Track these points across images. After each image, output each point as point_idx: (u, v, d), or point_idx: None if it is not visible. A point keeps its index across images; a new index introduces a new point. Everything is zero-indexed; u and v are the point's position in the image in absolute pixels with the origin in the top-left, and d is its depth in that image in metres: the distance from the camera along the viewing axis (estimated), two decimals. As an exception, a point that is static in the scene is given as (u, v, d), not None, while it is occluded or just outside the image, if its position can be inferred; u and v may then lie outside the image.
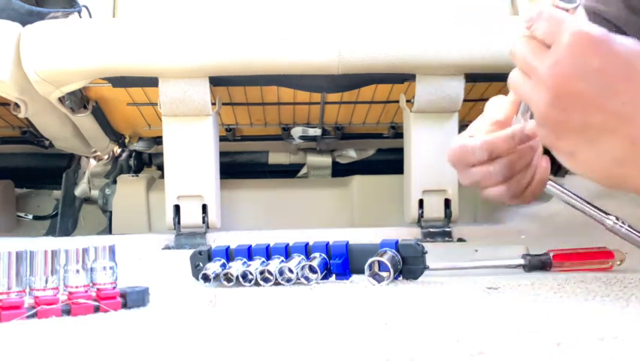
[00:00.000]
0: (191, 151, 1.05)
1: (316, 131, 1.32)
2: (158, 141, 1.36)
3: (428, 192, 1.09)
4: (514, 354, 0.28)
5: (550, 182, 0.57)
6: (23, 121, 1.21)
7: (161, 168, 1.38)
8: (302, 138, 1.34)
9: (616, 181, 0.44)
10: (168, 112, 1.04)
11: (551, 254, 0.63)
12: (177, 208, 1.05)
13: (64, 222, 1.38)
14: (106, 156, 1.48)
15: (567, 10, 0.43)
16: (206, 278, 0.58)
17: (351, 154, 1.46)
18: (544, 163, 0.56)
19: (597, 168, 0.44)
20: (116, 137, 1.33)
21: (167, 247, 1.04)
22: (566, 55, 0.41)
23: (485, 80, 1.07)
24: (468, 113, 1.24)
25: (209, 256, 0.62)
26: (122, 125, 1.29)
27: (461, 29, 0.99)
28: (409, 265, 0.58)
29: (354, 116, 1.29)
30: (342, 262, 0.59)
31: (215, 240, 1.04)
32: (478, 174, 0.53)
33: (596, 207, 0.57)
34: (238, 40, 0.97)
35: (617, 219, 0.55)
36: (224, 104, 1.14)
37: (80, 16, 1.19)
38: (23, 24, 0.98)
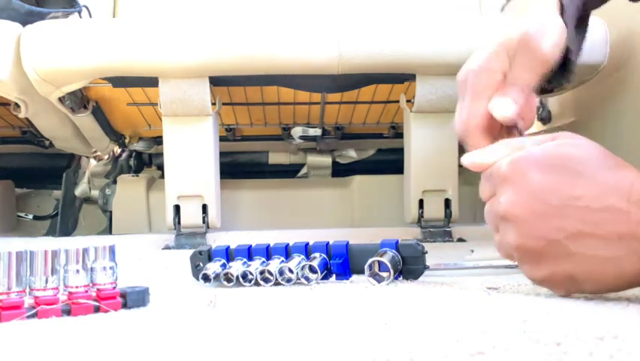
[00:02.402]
0: (192, 151, 1.05)
1: (316, 131, 1.32)
2: (158, 141, 1.36)
3: (428, 192, 1.09)
4: (514, 354, 0.28)
5: None
6: (23, 121, 1.21)
7: (161, 168, 1.38)
8: (302, 138, 1.34)
9: (628, 280, 0.42)
10: (168, 112, 1.04)
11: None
12: (177, 208, 1.05)
13: (64, 222, 1.38)
14: (106, 156, 1.48)
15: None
16: (206, 278, 0.58)
17: (351, 154, 1.46)
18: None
19: (604, 280, 0.42)
20: (116, 137, 1.33)
21: (168, 247, 1.04)
22: (510, 190, 0.44)
23: (485, 80, 1.07)
24: (468, 113, 1.23)
25: (210, 256, 0.62)
26: (122, 125, 1.29)
27: (461, 29, 0.99)
28: (409, 265, 0.58)
29: (355, 116, 1.29)
30: (342, 262, 0.59)
31: (216, 240, 1.04)
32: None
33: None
34: (238, 40, 0.97)
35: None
36: (224, 104, 1.14)
37: (80, 16, 1.19)
38: (23, 24, 0.98)
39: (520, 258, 0.45)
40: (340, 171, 1.44)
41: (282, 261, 0.59)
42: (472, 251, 0.78)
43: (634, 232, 0.40)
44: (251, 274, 0.57)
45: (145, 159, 1.45)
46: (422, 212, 1.09)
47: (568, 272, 0.42)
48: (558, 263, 0.43)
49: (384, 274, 0.55)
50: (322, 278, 0.58)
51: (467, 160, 0.50)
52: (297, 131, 1.32)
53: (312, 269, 0.57)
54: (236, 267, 0.58)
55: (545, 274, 0.44)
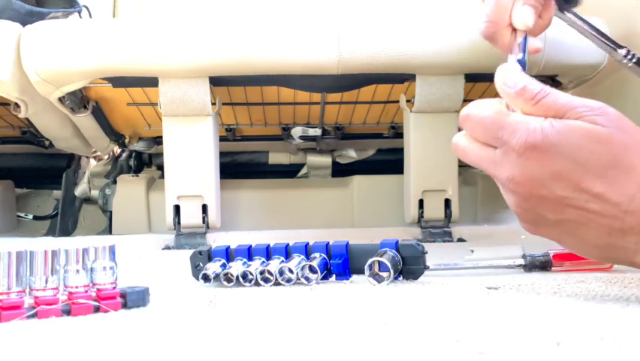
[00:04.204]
0: (192, 151, 1.05)
1: (316, 132, 1.32)
2: (158, 141, 1.36)
3: (428, 192, 1.09)
4: (514, 354, 0.28)
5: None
6: (23, 121, 1.21)
7: (161, 168, 1.38)
8: (302, 138, 1.34)
9: (606, 259, 0.46)
10: (168, 112, 1.04)
11: (551, 254, 0.63)
12: (177, 208, 1.05)
13: (64, 222, 1.38)
14: (106, 156, 1.48)
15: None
16: (206, 278, 0.58)
17: (351, 154, 1.46)
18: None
19: (583, 252, 0.45)
20: (116, 137, 1.33)
21: (167, 247, 1.04)
22: (519, 168, 0.42)
23: (485, 80, 1.07)
24: (468, 113, 1.23)
25: (210, 256, 0.62)
26: (122, 125, 1.29)
27: (461, 29, 0.99)
28: (409, 265, 0.58)
29: (355, 116, 1.29)
30: (342, 262, 0.59)
31: (216, 240, 1.04)
32: None
33: (607, 37, 0.57)
34: (238, 40, 0.97)
35: (628, 52, 0.55)
36: (224, 104, 1.14)
37: (80, 17, 1.19)
38: (23, 24, 0.98)
39: (511, 203, 0.45)
40: (340, 171, 1.44)
41: (282, 261, 0.59)
42: (472, 251, 0.78)
43: (622, 233, 0.41)
44: (251, 274, 0.57)
45: (145, 159, 1.45)
46: (422, 212, 1.09)
47: (553, 234, 0.45)
48: (545, 228, 0.44)
49: (384, 274, 0.55)
50: (322, 278, 0.58)
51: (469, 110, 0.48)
52: (297, 132, 1.32)
53: (312, 269, 0.57)
54: (236, 267, 0.58)
55: (529, 225, 0.45)
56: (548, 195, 0.42)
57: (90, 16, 1.23)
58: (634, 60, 0.56)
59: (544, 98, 0.42)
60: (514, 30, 0.56)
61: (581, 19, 0.59)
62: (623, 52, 0.56)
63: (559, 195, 0.42)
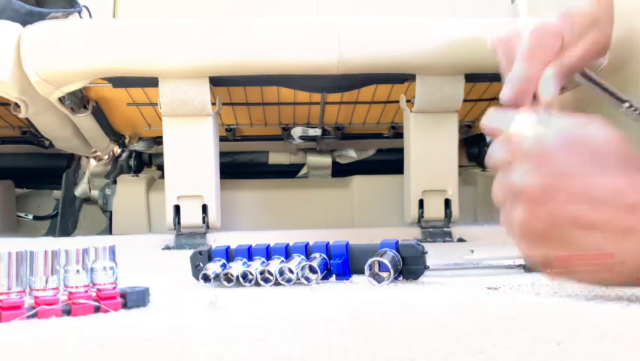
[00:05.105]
0: (192, 151, 1.05)
1: (316, 132, 1.32)
2: (158, 141, 1.36)
3: (428, 193, 1.09)
4: (514, 354, 0.28)
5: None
6: (23, 121, 1.22)
7: (161, 168, 1.39)
8: (302, 138, 1.34)
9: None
10: (168, 112, 1.04)
11: (552, 255, 0.63)
12: (177, 208, 1.05)
13: (64, 222, 1.38)
14: (106, 156, 1.48)
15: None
16: (206, 278, 0.58)
17: (351, 154, 1.46)
18: None
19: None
20: (116, 137, 1.33)
21: (168, 247, 1.04)
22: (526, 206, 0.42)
23: (485, 80, 1.07)
24: (468, 113, 1.24)
25: (210, 256, 0.62)
26: (122, 125, 1.29)
27: (461, 29, 0.99)
28: (409, 265, 0.58)
29: (355, 116, 1.29)
30: (342, 262, 0.59)
31: (216, 240, 1.04)
32: None
33: (608, 90, 0.58)
34: (238, 40, 0.97)
35: (630, 106, 0.56)
36: (224, 104, 1.14)
37: (81, 17, 1.19)
38: (24, 24, 0.98)
39: (521, 235, 0.43)
40: (340, 171, 1.44)
41: (282, 261, 0.59)
42: (472, 251, 0.78)
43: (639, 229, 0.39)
44: (251, 274, 0.57)
45: (145, 159, 1.45)
46: (422, 212, 1.09)
47: (565, 258, 0.42)
48: (557, 248, 0.42)
49: (385, 275, 0.55)
50: (322, 278, 0.58)
51: (488, 121, 0.48)
52: (297, 132, 1.32)
53: (312, 269, 0.57)
54: (237, 267, 0.58)
55: (541, 255, 0.43)
56: (563, 194, 0.41)
57: (90, 17, 1.23)
58: (637, 112, 0.57)
59: None
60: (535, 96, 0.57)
61: (598, 83, 0.61)
62: (625, 105, 0.58)
63: (574, 193, 0.40)
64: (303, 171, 1.47)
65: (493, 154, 0.45)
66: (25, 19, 1.01)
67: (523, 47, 0.56)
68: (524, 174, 0.42)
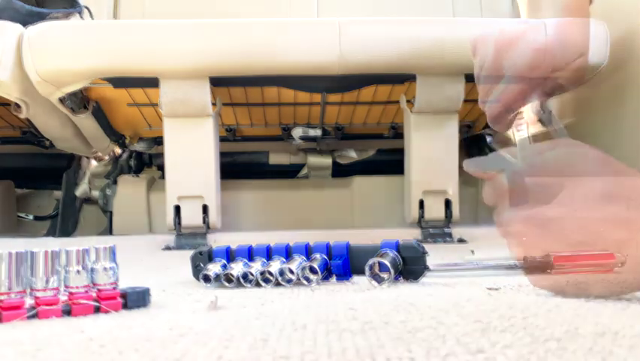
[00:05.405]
0: (192, 151, 1.05)
1: (316, 132, 1.32)
2: (158, 141, 1.36)
3: (428, 193, 1.09)
4: (513, 353, 0.28)
5: None
6: (24, 121, 1.22)
7: (161, 168, 1.39)
8: (302, 138, 1.34)
9: None
10: (169, 112, 1.04)
11: (552, 255, 0.63)
12: (178, 209, 1.05)
13: (64, 222, 1.38)
14: (106, 157, 1.48)
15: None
16: (206, 279, 0.58)
17: (351, 154, 1.46)
18: None
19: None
20: (117, 137, 1.33)
21: (168, 248, 1.04)
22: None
23: (485, 81, 1.07)
24: (468, 113, 1.24)
25: (210, 256, 0.62)
26: (122, 125, 1.30)
27: (461, 29, 0.99)
28: (409, 265, 0.58)
29: (355, 116, 1.29)
30: (342, 263, 0.59)
31: (216, 240, 1.05)
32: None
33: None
34: (238, 40, 0.97)
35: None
36: (224, 104, 1.14)
37: (81, 17, 1.19)
38: (24, 24, 0.99)
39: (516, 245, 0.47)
40: (340, 171, 1.44)
41: (283, 261, 0.59)
42: (473, 252, 0.79)
43: (633, 239, 0.39)
44: (251, 274, 0.57)
45: (145, 160, 1.45)
46: (422, 213, 1.09)
47: (565, 258, 0.44)
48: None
49: (385, 275, 0.55)
50: (323, 279, 0.58)
51: (470, 167, 0.53)
52: (297, 132, 1.32)
53: (312, 270, 0.57)
54: (237, 267, 0.58)
55: (544, 279, 0.45)
56: (546, 225, 0.44)
57: (91, 17, 1.23)
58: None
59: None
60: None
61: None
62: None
63: (556, 221, 0.43)
64: (304, 171, 1.47)
65: (484, 197, 0.50)
66: (26, 20, 1.01)
67: (489, 57, 0.59)
68: (507, 217, 0.46)
